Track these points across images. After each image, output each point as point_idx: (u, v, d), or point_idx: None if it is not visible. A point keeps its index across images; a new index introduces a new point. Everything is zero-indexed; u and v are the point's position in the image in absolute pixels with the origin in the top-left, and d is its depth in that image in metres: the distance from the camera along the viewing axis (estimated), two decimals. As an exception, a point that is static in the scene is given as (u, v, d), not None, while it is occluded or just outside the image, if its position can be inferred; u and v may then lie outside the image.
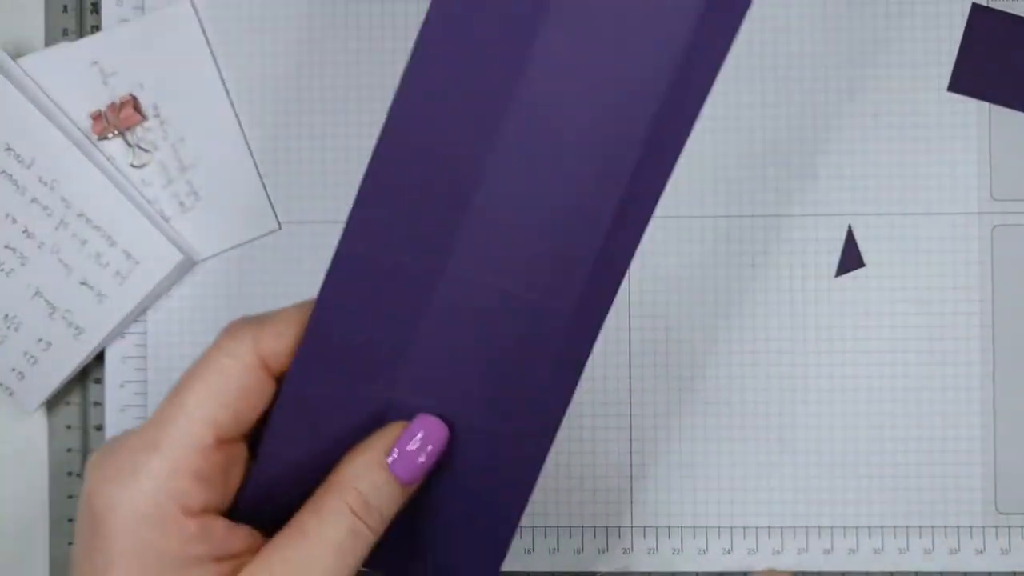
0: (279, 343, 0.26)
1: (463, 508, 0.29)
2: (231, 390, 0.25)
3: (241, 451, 0.27)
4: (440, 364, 0.28)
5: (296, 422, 0.28)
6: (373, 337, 0.28)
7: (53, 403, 0.41)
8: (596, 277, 0.27)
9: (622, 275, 0.28)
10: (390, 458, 0.27)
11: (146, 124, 0.41)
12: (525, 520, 0.39)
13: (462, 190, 0.27)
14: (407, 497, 0.28)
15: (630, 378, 0.40)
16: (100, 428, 0.41)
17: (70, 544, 0.41)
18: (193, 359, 0.41)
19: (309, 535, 0.25)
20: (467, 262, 0.28)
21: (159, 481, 0.24)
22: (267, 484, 0.28)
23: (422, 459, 0.27)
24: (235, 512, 0.28)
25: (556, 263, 0.27)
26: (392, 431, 0.27)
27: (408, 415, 0.28)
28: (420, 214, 0.27)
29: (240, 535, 0.26)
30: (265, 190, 0.41)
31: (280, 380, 0.27)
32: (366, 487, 0.26)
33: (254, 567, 0.25)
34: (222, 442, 0.25)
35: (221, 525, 0.25)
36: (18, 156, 0.40)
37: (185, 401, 0.25)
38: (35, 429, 0.41)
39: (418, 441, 0.27)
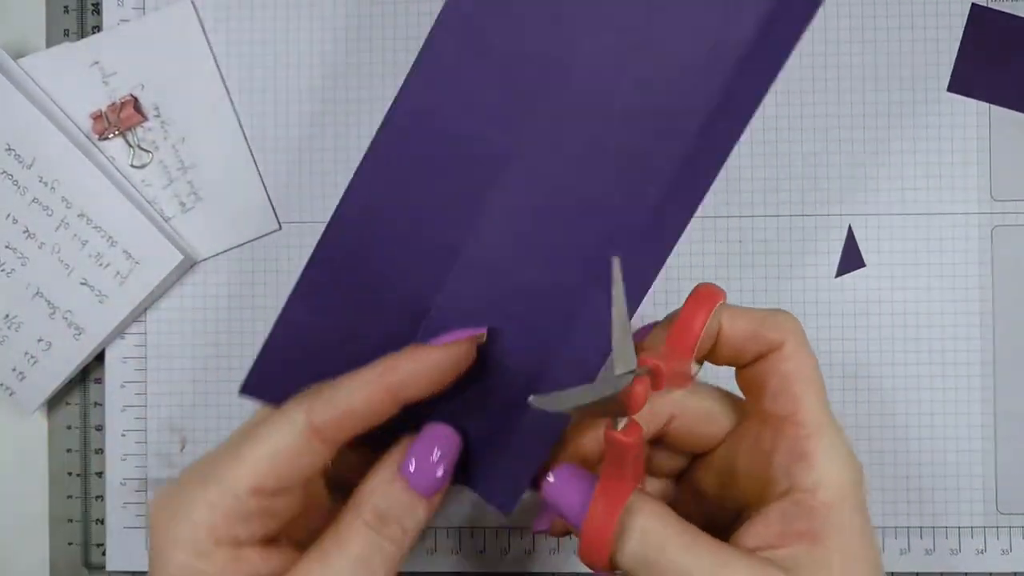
0: (328, 412, 0.27)
1: (500, 422, 0.29)
2: (278, 450, 0.26)
3: (294, 499, 0.28)
4: (492, 266, 0.28)
5: (327, 293, 0.29)
6: (424, 224, 0.28)
7: (53, 403, 0.41)
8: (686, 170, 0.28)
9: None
10: (406, 471, 0.27)
11: (146, 124, 0.41)
12: (525, 520, 0.40)
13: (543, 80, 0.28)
14: (432, 509, 0.28)
15: (630, 378, 0.40)
16: (100, 428, 0.41)
17: (70, 544, 0.41)
18: (193, 359, 0.41)
19: (330, 555, 0.26)
20: (536, 153, 0.28)
21: (199, 515, 0.26)
22: (278, 353, 0.30)
23: (439, 473, 0.28)
24: (247, 384, 0.30)
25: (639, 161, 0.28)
26: (403, 445, 0.28)
27: (447, 321, 0.28)
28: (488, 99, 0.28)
29: (273, 558, 0.27)
30: (265, 190, 0.41)
31: (340, 448, 0.28)
32: (381, 502, 0.27)
33: None
34: (261, 493, 0.26)
35: (254, 553, 0.27)
36: (18, 156, 0.40)
37: (236, 451, 0.27)
38: (35, 429, 0.41)
39: (433, 451, 0.28)
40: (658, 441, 0.30)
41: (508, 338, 0.29)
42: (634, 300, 0.28)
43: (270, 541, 0.27)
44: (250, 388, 0.31)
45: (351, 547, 0.26)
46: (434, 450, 0.28)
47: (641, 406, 0.24)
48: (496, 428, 0.29)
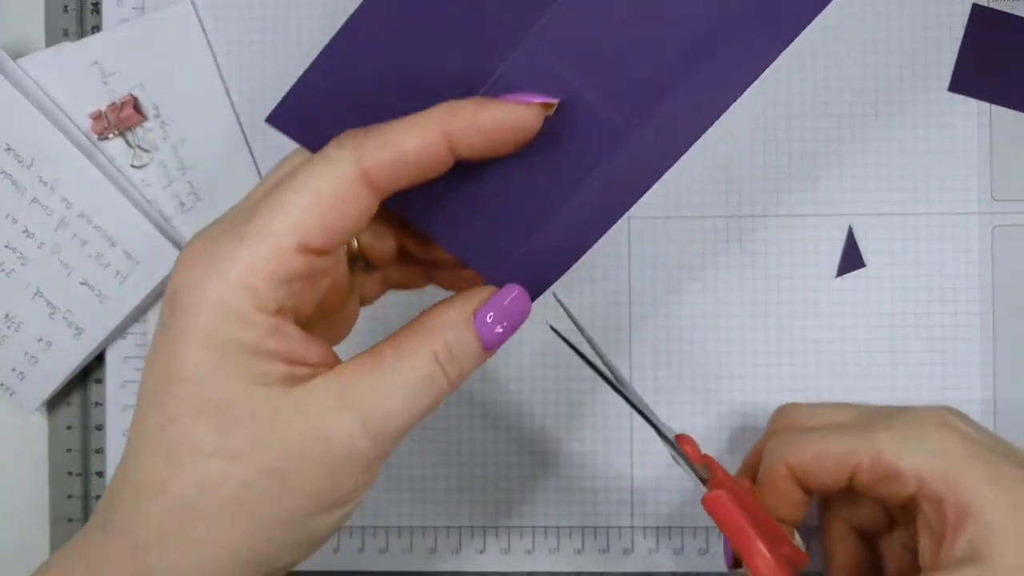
0: (380, 154, 0.24)
1: (539, 213, 0.28)
2: (323, 198, 0.24)
3: (332, 267, 0.26)
4: (572, 40, 0.27)
5: (380, 35, 0.27)
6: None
7: (53, 403, 0.41)
8: None
9: None
10: (481, 321, 0.26)
11: (146, 124, 0.41)
12: (525, 520, 0.40)
13: None
14: (483, 362, 0.27)
15: (630, 378, 0.40)
16: (100, 428, 0.41)
17: (70, 544, 0.41)
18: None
19: (387, 369, 0.25)
20: None
21: (238, 273, 0.23)
22: (317, 85, 0.27)
23: (500, 329, 0.27)
24: (276, 114, 0.27)
25: None
26: (482, 293, 0.27)
27: (511, 88, 0.27)
28: None
29: (314, 347, 0.25)
30: (265, 190, 0.41)
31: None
32: (453, 339, 0.26)
33: (327, 380, 0.25)
34: (307, 251, 0.24)
35: (295, 330, 0.25)
36: (18, 156, 0.40)
37: (276, 201, 0.24)
38: (35, 429, 0.41)
39: (510, 313, 0.27)
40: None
41: (576, 115, 0.27)
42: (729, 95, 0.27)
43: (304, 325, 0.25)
44: (278, 119, 0.27)
45: (413, 369, 0.25)
46: (512, 313, 0.27)
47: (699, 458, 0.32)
48: (533, 220, 0.28)
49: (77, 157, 0.40)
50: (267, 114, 0.28)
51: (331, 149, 0.24)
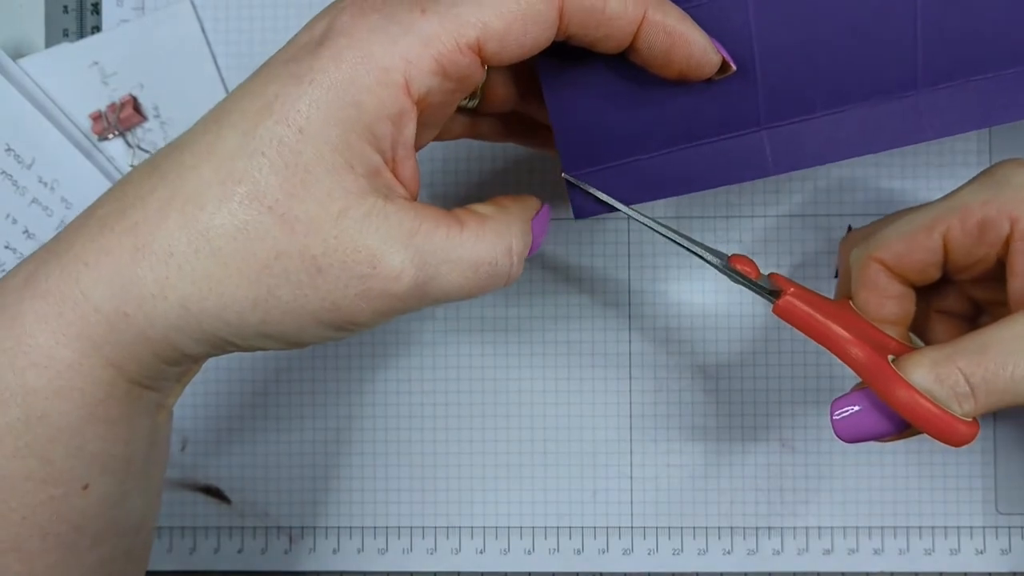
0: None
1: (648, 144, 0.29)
2: (517, 5, 0.24)
3: (474, 84, 0.26)
4: None
5: None
6: None
7: (53, 403, 0.41)
8: None
9: None
10: (534, 224, 0.28)
11: (146, 124, 0.41)
12: (525, 520, 0.40)
13: None
14: (523, 264, 0.28)
15: (630, 378, 0.40)
16: (100, 428, 0.41)
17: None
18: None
19: (464, 240, 0.25)
20: None
21: (408, 43, 0.23)
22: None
23: (538, 239, 0.28)
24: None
25: None
26: (535, 203, 0.29)
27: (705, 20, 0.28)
28: None
29: (412, 165, 0.25)
30: (265, 190, 0.41)
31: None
32: (520, 237, 0.27)
33: (404, 212, 0.24)
34: (477, 52, 0.24)
35: (412, 133, 0.25)
36: (18, 156, 0.40)
37: None
38: (35, 429, 0.41)
39: (543, 224, 0.29)
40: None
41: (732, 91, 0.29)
42: None
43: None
44: None
45: (487, 253, 0.26)
46: (545, 229, 0.29)
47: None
48: (632, 148, 0.29)
49: (77, 157, 0.40)
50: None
51: None
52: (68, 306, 0.24)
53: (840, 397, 0.29)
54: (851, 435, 0.29)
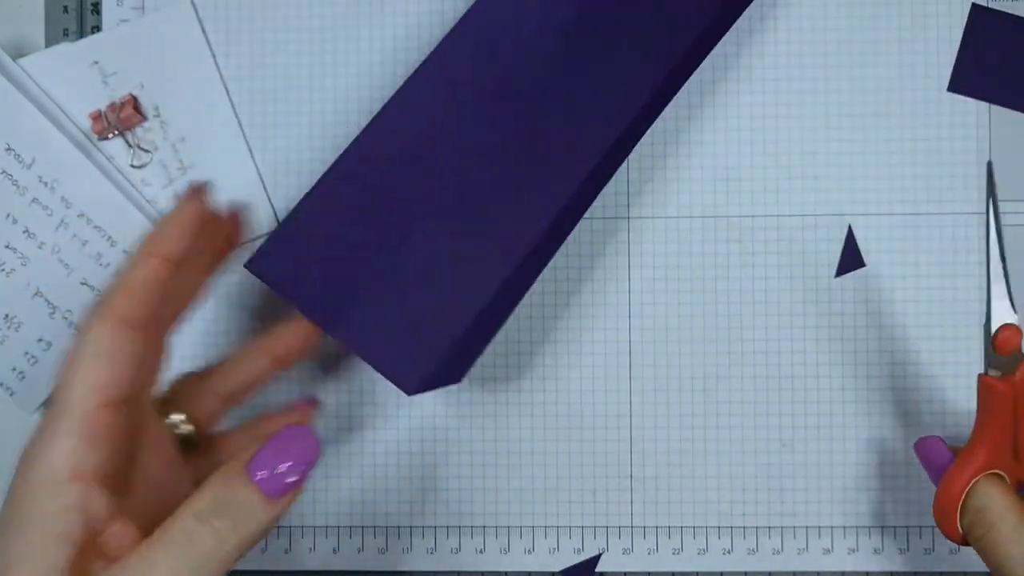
0: (117, 298, 0.28)
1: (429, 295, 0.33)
2: (103, 353, 0.27)
3: (129, 412, 0.28)
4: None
5: (341, 199, 0.34)
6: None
7: (53, 403, 0.41)
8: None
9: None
10: (253, 472, 0.26)
11: (146, 124, 0.41)
12: (525, 520, 0.40)
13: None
14: (277, 510, 0.27)
15: (630, 378, 0.40)
16: (100, 428, 0.41)
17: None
18: (193, 359, 0.41)
19: (154, 544, 0.26)
20: None
21: (54, 443, 0.26)
22: (285, 239, 0.34)
23: (289, 479, 0.27)
24: (252, 261, 0.34)
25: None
26: (254, 446, 0.27)
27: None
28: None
29: (129, 533, 0.26)
30: (265, 190, 0.41)
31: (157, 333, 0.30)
32: (221, 492, 0.26)
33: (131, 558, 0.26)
34: (114, 404, 0.27)
35: (102, 501, 0.26)
36: (18, 156, 0.40)
37: (72, 372, 0.27)
38: (35, 429, 0.41)
39: (285, 457, 0.27)
40: None
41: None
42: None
43: (124, 512, 0.27)
44: (254, 265, 0.34)
45: (173, 537, 0.26)
46: (287, 456, 0.27)
47: (1011, 350, 0.30)
48: (415, 309, 0.33)
49: (77, 157, 0.40)
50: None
51: (86, 317, 0.28)
52: None
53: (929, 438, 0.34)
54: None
